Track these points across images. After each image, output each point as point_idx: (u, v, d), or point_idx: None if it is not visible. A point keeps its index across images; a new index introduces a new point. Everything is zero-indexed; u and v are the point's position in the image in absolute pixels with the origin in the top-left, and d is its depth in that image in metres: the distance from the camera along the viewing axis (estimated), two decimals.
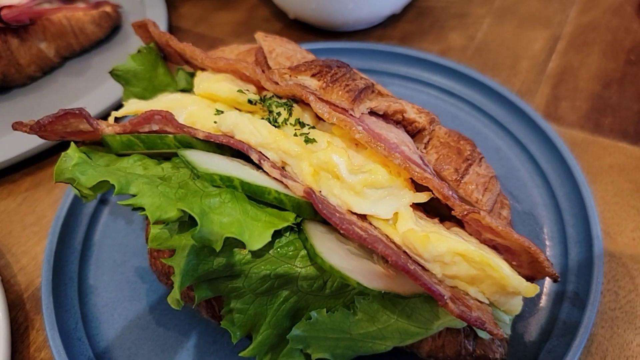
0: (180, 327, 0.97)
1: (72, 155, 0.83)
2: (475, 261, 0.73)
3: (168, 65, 1.15)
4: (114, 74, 1.08)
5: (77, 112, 0.88)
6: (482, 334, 0.82)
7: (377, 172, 0.76)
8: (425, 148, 0.90)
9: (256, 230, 0.72)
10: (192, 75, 1.12)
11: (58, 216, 1.09)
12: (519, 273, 0.79)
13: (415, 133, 0.91)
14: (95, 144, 0.94)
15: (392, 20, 1.61)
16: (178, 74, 1.13)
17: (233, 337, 0.80)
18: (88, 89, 1.43)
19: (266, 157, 0.83)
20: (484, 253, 0.73)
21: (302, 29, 1.63)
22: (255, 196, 0.77)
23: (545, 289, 0.95)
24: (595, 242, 0.95)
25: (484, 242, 0.82)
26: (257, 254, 0.78)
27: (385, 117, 0.90)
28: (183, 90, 1.10)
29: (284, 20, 1.68)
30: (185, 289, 0.84)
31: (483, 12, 1.61)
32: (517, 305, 0.78)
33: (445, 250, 0.73)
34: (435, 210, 0.88)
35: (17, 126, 0.90)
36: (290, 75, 0.89)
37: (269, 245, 0.78)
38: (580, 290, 0.91)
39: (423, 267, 0.76)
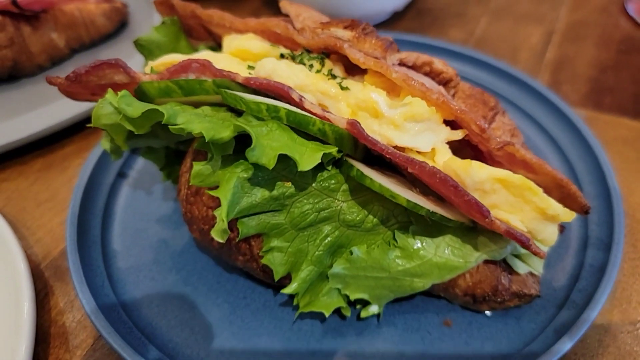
0: (209, 285, 0.96)
1: (111, 99, 0.84)
2: (515, 186, 0.76)
3: (190, 41, 1.18)
4: (137, 44, 1.09)
5: (113, 62, 0.89)
6: (520, 267, 0.84)
7: (418, 104, 0.79)
8: (454, 96, 0.94)
9: (306, 152, 0.74)
10: (215, 50, 1.14)
11: (78, 185, 1.08)
12: None
13: (442, 84, 0.95)
14: None
15: (394, 18, 1.68)
16: (200, 49, 1.16)
17: (275, 274, 0.80)
18: None
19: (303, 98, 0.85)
20: (520, 178, 0.76)
21: None
22: (299, 127, 0.78)
23: (569, 236, 0.97)
24: (613, 193, 0.99)
25: None
26: (300, 187, 0.79)
27: (414, 68, 0.94)
28: None
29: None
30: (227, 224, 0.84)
31: (479, 11, 1.70)
32: (553, 235, 0.80)
33: (486, 176, 0.76)
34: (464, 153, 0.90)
35: (51, 79, 0.91)
36: (322, 29, 0.93)
37: (312, 178, 0.80)
38: (604, 236, 0.94)
39: None
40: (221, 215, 0.74)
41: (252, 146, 0.70)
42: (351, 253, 0.80)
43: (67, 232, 0.98)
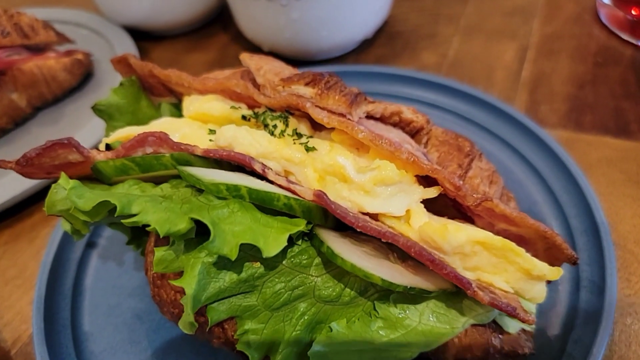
0: None
1: (64, 184, 0.79)
2: (496, 248, 0.72)
3: (151, 98, 1.13)
4: (96, 109, 1.05)
5: (65, 141, 0.84)
6: (510, 325, 0.79)
7: (386, 167, 0.75)
8: (425, 147, 0.90)
9: (270, 236, 0.69)
10: (177, 106, 1.10)
11: (44, 262, 1.03)
12: None
13: (413, 134, 0.91)
14: (85, 178, 0.90)
15: (364, 45, 1.64)
16: (162, 107, 1.11)
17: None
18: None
19: (269, 167, 0.80)
20: (502, 240, 0.71)
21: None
22: (264, 204, 0.74)
23: (560, 281, 0.93)
24: (602, 228, 0.95)
25: (498, 233, 0.80)
26: (270, 266, 0.74)
27: (382, 120, 0.89)
28: None
29: (258, 49, 1.69)
30: (193, 317, 0.79)
31: (451, 31, 1.66)
32: (541, 292, 0.76)
33: (465, 239, 0.71)
34: (440, 212, 0.86)
35: (1, 164, 0.86)
36: (283, 87, 0.88)
37: (282, 255, 0.75)
38: (596, 277, 0.90)
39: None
40: (186, 308, 0.69)
41: (211, 238, 0.65)
42: (330, 329, 0.75)
43: (33, 320, 0.93)
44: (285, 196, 0.73)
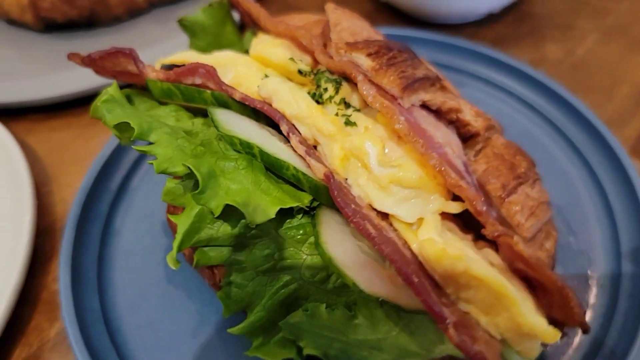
0: (189, 290, 0.95)
1: (112, 91, 0.82)
2: (491, 289, 0.65)
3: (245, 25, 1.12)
4: (181, 23, 1.06)
5: (127, 51, 0.88)
6: None
7: (408, 168, 0.69)
8: (475, 156, 0.81)
9: (262, 203, 0.67)
10: None
11: (101, 155, 1.10)
12: (548, 314, 0.69)
13: (468, 137, 0.83)
14: (144, 89, 0.93)
15: (487, 19, 1.50)
16: (246, 36, 1.10)
17: (225, 311, 0.76)
18: (166, 39, 1.44)
19: (298, 131, 0.78)
20: (504, 282, 0.64)
21: (392, 15, 1.56)
22: (273, 169, 0.72)
23: (577, 340, 0.83)
24: None
25: (516, 271, 0.72)
26: (264, 230, 0.73)
27: (438, 113, 0.82)
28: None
29: (376, 1, 1.61)
30: (191, 249, 0.81)
31: (590, 27, 1.46)
32: (533, 349, 0.68)
33: (462, 269, 0.65)
34: (475, 226, 0.79)
35: (71, 57, 0.91)
36: (345, 51, 0.83)
37: (279, 223, 0.74)
38: (619, 351, 0.79)
39: (437, 283, 0.69)
40: (174, 244, 0.71)
41: (200, 188, 0.65)
42: (307, 310, 0.74)
43: (72, 206, 1.01)
44: (295, 167, 0.70)
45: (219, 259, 0.76)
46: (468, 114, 0.81)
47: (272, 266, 0.74)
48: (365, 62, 0.81)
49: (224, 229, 0.73)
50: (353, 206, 0.68)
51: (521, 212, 0.76)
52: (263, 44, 0.92)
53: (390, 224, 0.72)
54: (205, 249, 0.75)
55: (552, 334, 0.64)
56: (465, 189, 0.68)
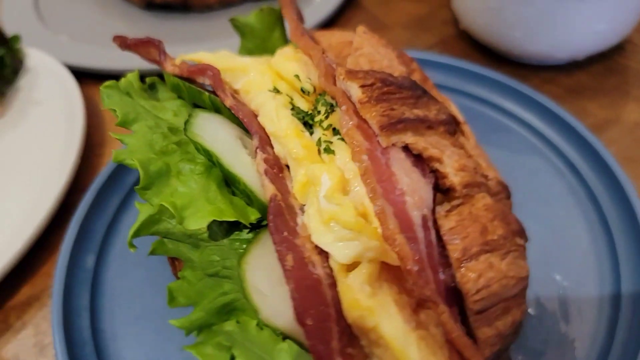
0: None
1: (130, 78, 0.89)
2: (395, 354, 0.62)
3: None
4: (233, 23, 1.11)
5: (156, 42, 0.94)
6: None
7: (347, 211, 0.68)
8: (450, 211, 0.77)
9: (201, 212, 0.70)
10: None
11: None
12: None
13: (445, 190, 0.78)
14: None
15: (572, 66, 1.38)
16: (291, 43, 1.12)
17: (169, 301, 0.80)
18: None
19: (269, 148, 0.79)
20: (406, 351, 0.61)
21: (468, 44, 1.49)
22: (229, 180, 0.74)
23: None
24: None
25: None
26: (213, 237, 0.76)
27: (420, 159, 0.78)
28: None
29: (457, 28, 1.55)
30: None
31: None
32: None
33: (371, 325, 0.63)
34: None
35: (115, 39, 0.99)
36: (343, 78, 0.82)
37: (227, 233, 0.76)
38: None
39: (353, 332, 0.67)
40: (131, 230, 0.76)
41: (141, 183, 0.69)
42: (239, 322, 0.76)
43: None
44: (245, 184, 0.72)
45: (175, 252, 0.80)
46: (449, 166, 0.77)
47: (217, 272, 0.77)
48: (356, 92, 0.79)
49: (179, 227, 0.76)
50: (286, 234, 0.68)
51: (475, 282, 0.71)
52: (281, 56, 0.94)
53: (326, 262, 0.71)
54: (165, 240, 0.80)
55: None
56: (398, 244, 0.65)
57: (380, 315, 0.63)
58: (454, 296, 0.72)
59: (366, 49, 0.93)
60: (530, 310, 0.93)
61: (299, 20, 1.01)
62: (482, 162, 0.87)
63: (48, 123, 1.31)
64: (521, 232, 0.79)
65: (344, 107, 0.77)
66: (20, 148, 1.31)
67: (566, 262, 0.96)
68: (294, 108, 0.84)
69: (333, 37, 1.05)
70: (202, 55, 0.96)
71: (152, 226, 0.77)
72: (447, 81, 1.22)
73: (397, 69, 0.93)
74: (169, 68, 0.91)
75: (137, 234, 0.76)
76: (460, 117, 0.96)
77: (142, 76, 0.92)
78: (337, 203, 0.69)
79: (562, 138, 1.11)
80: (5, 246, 1.02)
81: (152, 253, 0.80)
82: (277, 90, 0.89)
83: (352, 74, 0.82)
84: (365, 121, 0.77)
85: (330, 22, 1.60)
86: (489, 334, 0.71)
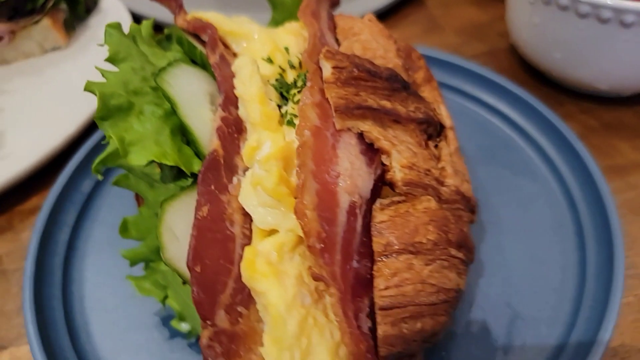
0: None
1: (144, 24, 0.96)
2: (271, 321, 0.63)
3: None
4: None
5: None
6: None
7: (271, 177, 0.69)
8: (388, 205, 0.76)
9: (145, 150, 0.74)
10: None
11: None
12: None
13: (390, 185, 0.78)
14: None
15: (613, 99, 1.28)
16: None
17: (121, 231, 0.85)
18: None
19: (233, 108, 0.82)
20: (285, 320, 0.63)
21: (516, 59, 1.43)
22: (183, 130, 0.78)
23: None
24: None
25: None
26: (163, 179, 0.81)
27: (372, 149, 0.78)
28: None
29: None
30: None
31: None
32: None
33: (260, 290, 0.65)
34: None
35: None
36: (322, 57, 0.83)
37: (175, 179, 0.80)
38: None
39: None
40: (97, 158, 0.82)
41: (98, 114, 0.74)
42: None
43: None
44: (194, 135, 0.76)
45: (135, 188, 0.86)
46: (396, 161, 0.76)
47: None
48: (327, 72, 0.80)
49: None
50: (212, 187, 0.71)
51: (386, 278, 0.70)
52: (285, 29, 0.96)
53: (248, 223, 0.73)
54: (129, 174, 0.86)
55: None
56: (307, 219, 0.66)
57: (272, 282, 0.65)
58: (367, 289, 0.72)
59: (364, 35, 0.93)
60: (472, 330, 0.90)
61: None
62: (449, 169, 0.85)
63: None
64: (461, 245, 0.77)
65: (309, 84, 0.78)
66: (72, 77, 1.44)
67: (528, 296, 0.92)
68: (278, 79, 0.87)
69: (351, 22, 1.06)
70: (211, 16, 1.01)
71: (116, 160, 0.82)
72: (465, 86, 1.20)
73: (392, 61, 0.92)
74: (179, 22, 0.96)
75: (103, 162, 0.82)
76: (448, 121, 0.94)
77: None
78: (265, 169, 0.71)
79: (569, 169, 1.06)
80: (38, 147, 1.18)
81: (116, 184, 0.86)
82: (269, 60, 0.92)
83: (330, 54, 0.83)
84: (328, 101, 0.78)
85: (386, 15, 1.59)
86: (389, 332, 0.70)
